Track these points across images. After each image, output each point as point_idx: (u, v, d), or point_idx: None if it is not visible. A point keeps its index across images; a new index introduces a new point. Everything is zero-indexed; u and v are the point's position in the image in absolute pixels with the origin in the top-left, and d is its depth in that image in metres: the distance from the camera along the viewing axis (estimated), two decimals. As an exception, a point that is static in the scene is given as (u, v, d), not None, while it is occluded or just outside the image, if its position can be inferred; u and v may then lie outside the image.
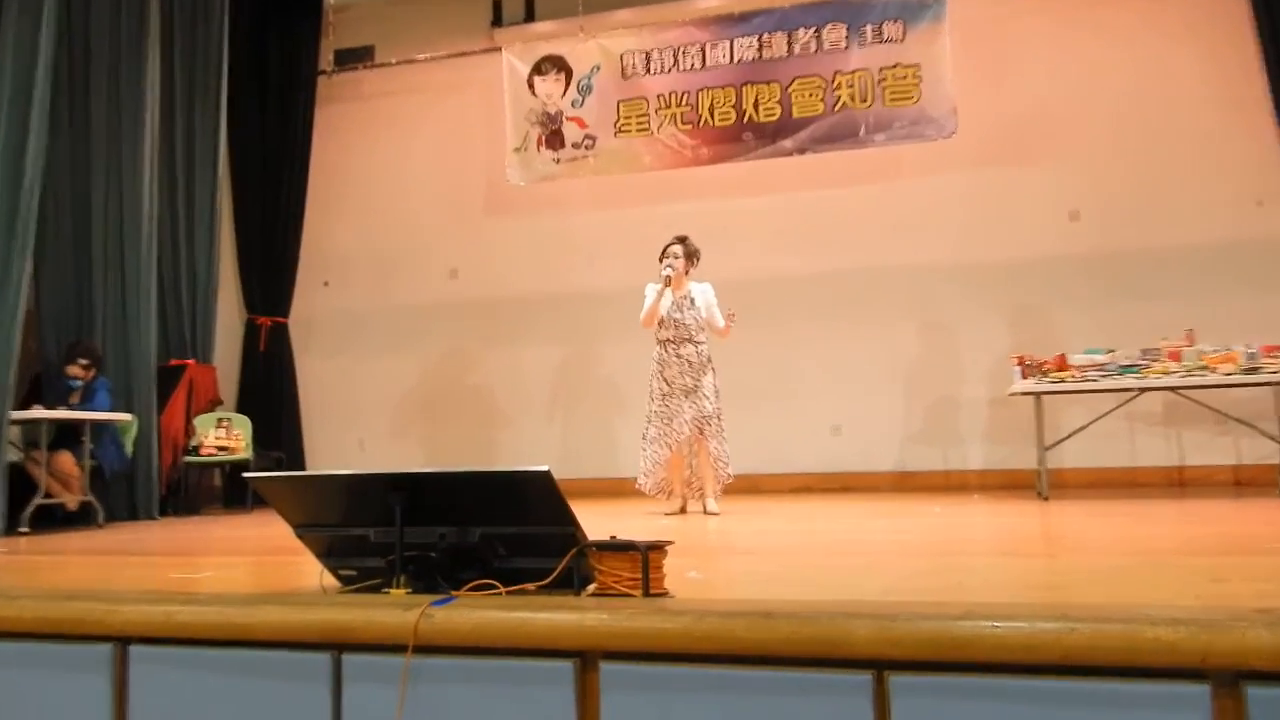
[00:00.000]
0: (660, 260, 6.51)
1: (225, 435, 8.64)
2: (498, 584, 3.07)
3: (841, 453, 8.81)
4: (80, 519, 7.22)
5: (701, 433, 6.31)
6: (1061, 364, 7.27)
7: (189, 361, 8.59)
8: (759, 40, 8.64)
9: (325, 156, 10.04)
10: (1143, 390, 7.24)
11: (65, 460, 7.21)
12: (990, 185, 8.82)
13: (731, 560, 4.26)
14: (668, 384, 6.37)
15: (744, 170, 9.00)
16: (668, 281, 6.29)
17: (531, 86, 9.18)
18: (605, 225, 9.58)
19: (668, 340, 6.36)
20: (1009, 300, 8.60)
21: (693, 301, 6.42)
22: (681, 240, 6.55)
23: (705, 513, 6.27)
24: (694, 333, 6.36)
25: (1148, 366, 7.17)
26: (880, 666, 2.62)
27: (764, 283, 8.97)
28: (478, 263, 9.92)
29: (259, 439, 9.09)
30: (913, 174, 8.96)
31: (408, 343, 9.98)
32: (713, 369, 6.46)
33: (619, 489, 8.29)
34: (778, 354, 8.98)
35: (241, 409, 9.51)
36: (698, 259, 6.58)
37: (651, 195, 9.37)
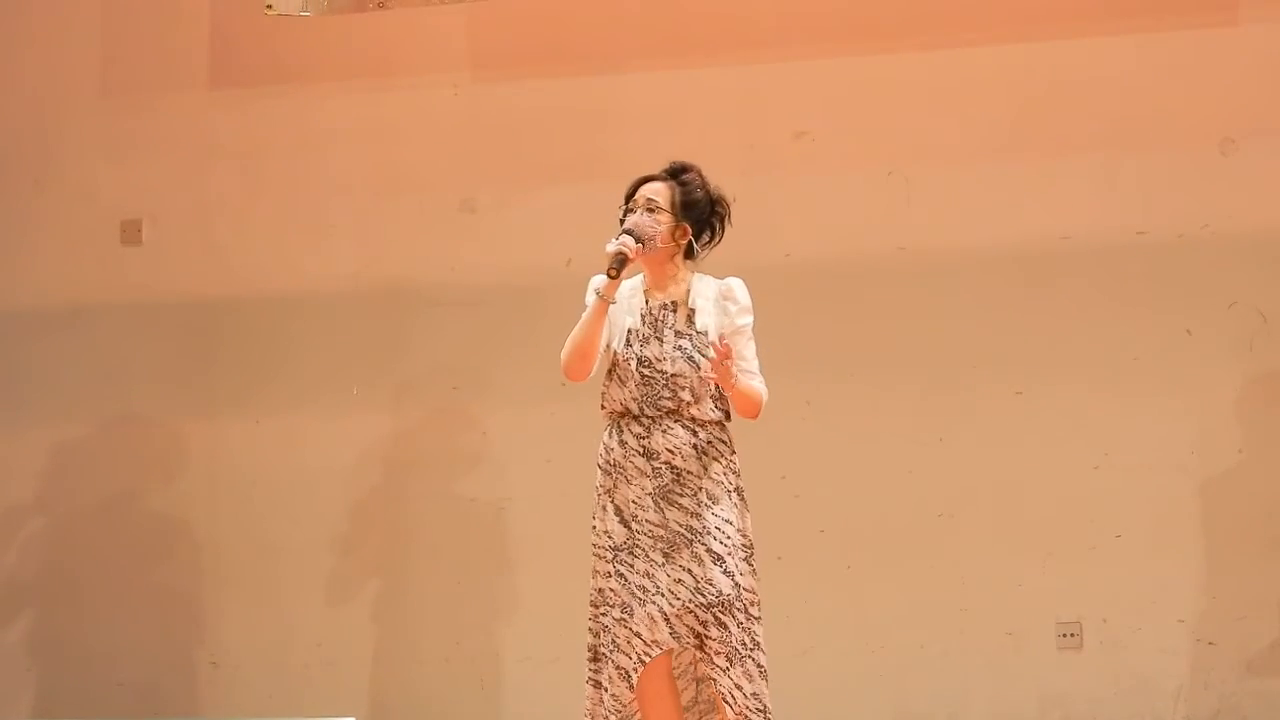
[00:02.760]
0: (622, 220, 4.17)
1: None
2: None
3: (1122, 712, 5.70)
4: None
5: (703, 645, 3.97)
6: None
7: None
8: None
9: None
10: None
11: None
12: None
13: None
14: (625, 523, 4.05)
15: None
16: (617, 266, 3.95)
17: None
18: (502, 119, 6.20)
19: (625, 415, 4.10)
20: None
21: (691, 318, 4.10)
22: (675, 175, 4.08)
23: None
24: (690, 396, 4.07)
25: None
26: None
27: (884, 275, 5.83)
28: (184, 205, 6.44)
29: None
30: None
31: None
32: (736, 489, 4.06)
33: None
34: (918, 447, 5.71)
35: None
36: (719, 221, 4.12)
37: (616, 52, 6.13)
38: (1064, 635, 5.60)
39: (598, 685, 3.98)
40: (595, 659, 4.01)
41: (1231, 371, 5.55)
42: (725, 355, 3.86)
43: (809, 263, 5.24)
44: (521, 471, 5.86)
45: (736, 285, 4.04)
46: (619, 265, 3.86)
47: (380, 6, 5.88)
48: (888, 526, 5.59)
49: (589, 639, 4.06)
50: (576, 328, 3.97)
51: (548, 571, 5.62)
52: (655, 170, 4.22)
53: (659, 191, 4.00)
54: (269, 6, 5.91)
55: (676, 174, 4.05)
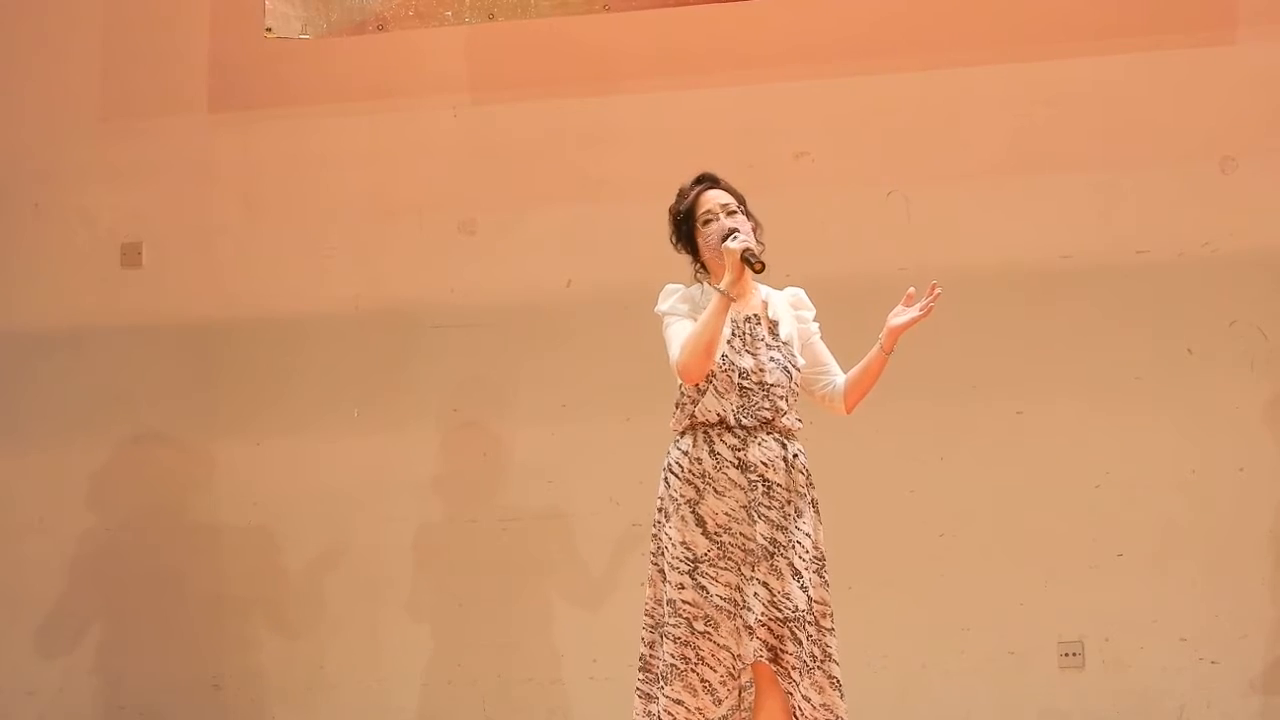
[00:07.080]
0: (692, 222, 3.95)
1: None
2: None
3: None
4: None
5: (778, 659, 3.78)
6: None
7: None
8: None
9: None
10: None
11: None
12: None
13: None
14: (710, 535, 3.84)
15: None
16: (758, 259, 3.81)
17: None
18: (501, 141, 6.05)
19: (718, 426, 3.90)
20: None
21: (774, 330, 3.95)
22: (716, 182, 3.98)
23: None
24: (783, 405, 3.91)
25: None
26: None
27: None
28: (184, 228, 6.27)
29: None
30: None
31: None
32: (813, 500, 3.92)
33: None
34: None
35: None
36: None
37: (615, 74, 5.95)
38: (1066, 654, 5.53)
39: (647, 697, 3.90)
40: (646, 669, 3.91)
41: (1232, 389, 5.42)
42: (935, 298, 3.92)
43: (809, 283, 4.90)
44: (523, 492, 5.73)
45: (802, 294, 4.01)
46: (756, 258, 3.76)
47: (379, 29, 5.68)
48: (889, 546, 5.45)
49: (643, 650, 3.94)
50: (698, 328, 3.84)
51: (549, 592, 5.51)
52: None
53: (726, 196, 3.93)
54: (268, 29, 5.72)
55: (717, 182, 3.97)
